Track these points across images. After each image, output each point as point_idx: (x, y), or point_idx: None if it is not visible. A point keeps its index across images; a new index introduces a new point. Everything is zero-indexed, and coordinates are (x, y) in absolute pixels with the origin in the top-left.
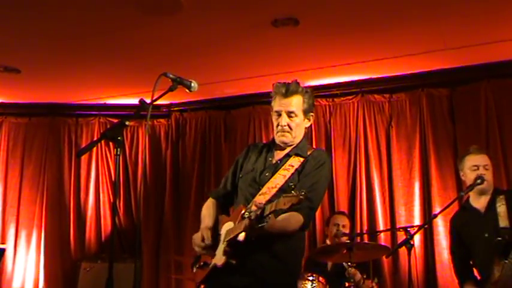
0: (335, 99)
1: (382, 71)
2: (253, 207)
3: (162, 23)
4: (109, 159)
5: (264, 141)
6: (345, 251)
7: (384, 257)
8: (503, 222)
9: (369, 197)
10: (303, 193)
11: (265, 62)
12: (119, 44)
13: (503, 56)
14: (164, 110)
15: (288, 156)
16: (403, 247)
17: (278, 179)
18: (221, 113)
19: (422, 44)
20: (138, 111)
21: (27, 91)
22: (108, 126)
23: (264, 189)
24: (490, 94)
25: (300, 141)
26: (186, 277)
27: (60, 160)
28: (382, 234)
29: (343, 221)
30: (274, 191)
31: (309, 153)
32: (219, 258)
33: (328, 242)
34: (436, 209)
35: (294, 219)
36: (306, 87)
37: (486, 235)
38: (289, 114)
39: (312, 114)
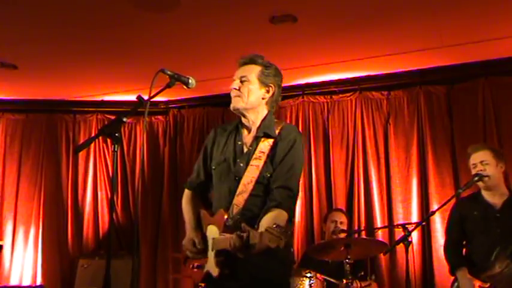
0: (333, 96)
1: (380, 68)
2: (241, 233)
3: (160, 20)
4: (107, 156)
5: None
6: (342, 248)
7: (381, 253)
8: None
9: (367, 194)
10: (287, 234)
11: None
12: (116, 41)
13: (501, 54)
14: (162, 106)
15: (256, 139)
16: (401, 244)
17: (252, 171)
18: (219, 110)
19: (419, 41)
20: (136, 108)
21: (25, 87)
22: (106, 123)
23: (240, 187)
24: (488, 91)
25: (265, 117)
26: (184, 274)
27: (57, 157)
28: (379, 231)
29: (341, 217)
30: (250, 186)
31: (277, 131)
32: (212, 268)
33: (326, 239)
34: (434, 206)
35: (280, 219)
36: (270, 63)
37: (498, 231)
38: (241, 78)
39: (271, 86)
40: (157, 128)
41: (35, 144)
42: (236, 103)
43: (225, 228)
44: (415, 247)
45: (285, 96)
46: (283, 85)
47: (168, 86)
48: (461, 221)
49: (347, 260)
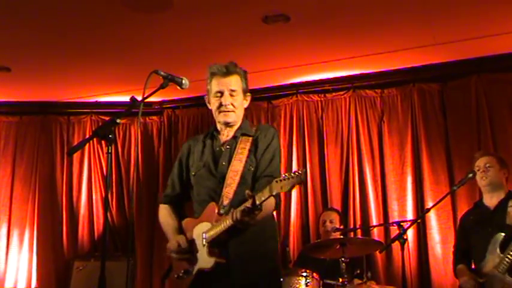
0: (327, 95)
1: (373, 66)
2: (245, 203)
3: (153, 20)
4: (101, 158)
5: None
6: (338, 247)
7: (377, 251)
8: (510, 221)
9: (362, 192)
10: (302, 171)
11: (257, 59)
12: (110, 42)
13: (493, 50)
14: (156, 107)
15: (235, 138)
16: (397, 242)
17: (236, 165)
18: None
19: (412, 39)
20: (130, 109)
21: (18, 89)
22: (100, 124)
23: (227, 181)
24: (481, 88)
25: (242, 122)
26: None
27: (52, 158)
28: (375, 229)
29: (330, 216)
30: (237, 179)
31: (254, 129)
32: (205, 262)
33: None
34: (429, 204)
35: (269, 203)
36: (243, 69)
37: (490, 229)
38: (231, 93)
39: (248, 95)
40: (151, 129)
41: (29, 146)
42: (229, 118)
43: (219, 217)
44: (410, 245)
45: (279, 95)
46: (277, 84)
47: (162, 86)
48: (464, 231)
49: (343, 259)
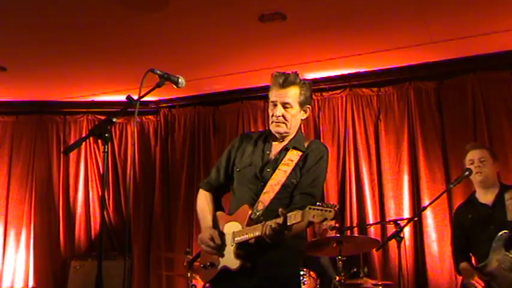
0: (323, 94)
1: (370, 65)
2: (276, 219)
3: (149, 20)
4: (98, 157)
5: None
6: (335, 245)
7: (374, 250)
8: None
9: (359, 190)
10: (335, 207)
11: (253, 57)
12: (106, 41)
13: (489, 49)
14: (153, 106)
15: (286, 149)
16: (393, 240)
17: (279, 175)
18: (210, 109)
19: (409, 38)
20: (126, 108)
21: (14, 89)
22: (96, 123)
23: (267, 187)
24: (477, 87)
25: (296, 134)
26: (177, 273)
27: (48, 158)
28: (372, 228)
29: None
30: (277, 188)
31: (306, 145)
32: (231, 262)
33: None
34: (425, 202)
35: (299, 225)
36: (304, 79)
37: (492, 227)
38: (284, 105)
39: (308, 106)
40: (148, 128)
41: (26, 146)
42: (280, 129)
43: (250, 221)
44: (407, 243)
45: None
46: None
47: (158, 85)
48: (462, 227)
49: (339, 257)
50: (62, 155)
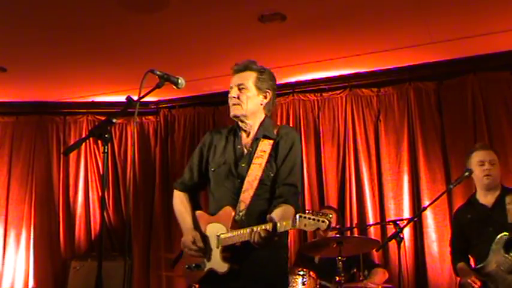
0: (323, 94)
1: (370, 65)
2: (265, 226)
3: (149, 20)
4: (98, 157)
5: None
6: (335, 245)
7: (374, 250)
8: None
9: (358, 190)
10: (329, 217)
11: (253, 58)
12: (106, 42)
13: (489, 49)
14: (152, 106)
15: (256, 140)
16: (393, 240)
17: (255, 170)
18: (210, 109)
19: (409, 38)
20: (125, 108)
21: (14, 90)
22: (96, 124)
23: (245, 185)
24: (477, 87)
25: (262, 120)
26: (177, 274)
27: (48, 158)
28: (371, 228)
29: None
30: (255, 184)
31: (275, 131)
32: (219, 265)
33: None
34: (425, 202)
35: (289, 214)
36: (264, 68)
37: (491, 229)
38: (239, 86)
39: (268, 90)
40: (148, 128)
41: (26, 146)
42: (236, 111)
43: (234, 223)
44: (407, 243)
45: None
46: None
47: (158, 86)
48: (461, 228)
49: (339, 257)
50: (62, 156)
